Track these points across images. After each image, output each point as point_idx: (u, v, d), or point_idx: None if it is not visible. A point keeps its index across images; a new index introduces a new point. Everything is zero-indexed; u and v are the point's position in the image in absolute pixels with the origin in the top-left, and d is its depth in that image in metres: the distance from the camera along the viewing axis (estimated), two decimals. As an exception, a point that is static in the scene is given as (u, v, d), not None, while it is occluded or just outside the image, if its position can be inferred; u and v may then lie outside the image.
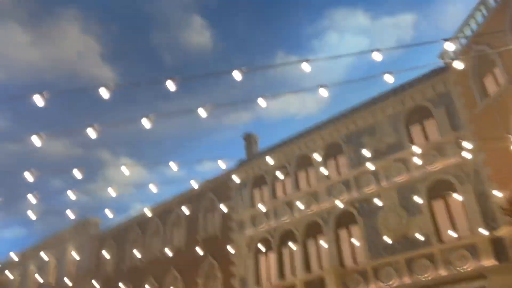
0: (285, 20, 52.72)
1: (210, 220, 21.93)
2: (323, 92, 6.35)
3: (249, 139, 22.79)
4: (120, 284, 17.96)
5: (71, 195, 9.08)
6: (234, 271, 19.15)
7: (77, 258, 28.35)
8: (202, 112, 6.77)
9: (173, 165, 8.92)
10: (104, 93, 6.26)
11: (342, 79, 50.97)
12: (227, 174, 21.55)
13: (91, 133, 6.94)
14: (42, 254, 30.03)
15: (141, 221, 25.05)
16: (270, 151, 19.71)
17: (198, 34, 52.65)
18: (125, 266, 24.35)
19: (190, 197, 22.69)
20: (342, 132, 17.95)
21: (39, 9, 51.35)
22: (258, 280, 18.40)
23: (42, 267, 31.30)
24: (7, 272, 34.01)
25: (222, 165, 9.62)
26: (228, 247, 19.17)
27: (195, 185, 10.59)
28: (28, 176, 7.92)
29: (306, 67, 6.15)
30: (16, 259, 31.98)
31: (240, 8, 55.63)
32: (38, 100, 6.21)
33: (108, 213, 12.30)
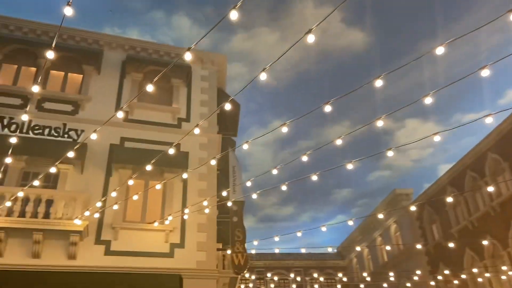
0: None
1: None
2: None
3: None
4: (451, 245, 15.85)
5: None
6: None
7: (399, 233, 27.80)
8: None
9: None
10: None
11: None
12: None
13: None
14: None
15: (453, 179, 22.12)
16: None
17: None
18: (453, 229, 21.83)
19: (503, 137, 18.36)
20: None
21: (274, 4, 55.21)
22: None
23: (371, 248, 32.38)
24: (352, 256, 37.04)
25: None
26: None
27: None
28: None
29: None
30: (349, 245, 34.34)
31: None
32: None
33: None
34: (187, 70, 13.78)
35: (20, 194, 9.54)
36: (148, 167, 8.31)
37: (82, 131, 11.70)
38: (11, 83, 12.04)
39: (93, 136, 6.79)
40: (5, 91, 11.64)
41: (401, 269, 24.73)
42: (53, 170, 7.71)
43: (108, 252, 10.35)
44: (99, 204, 9.43)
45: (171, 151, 8.40)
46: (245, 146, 7.90)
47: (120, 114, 6.99)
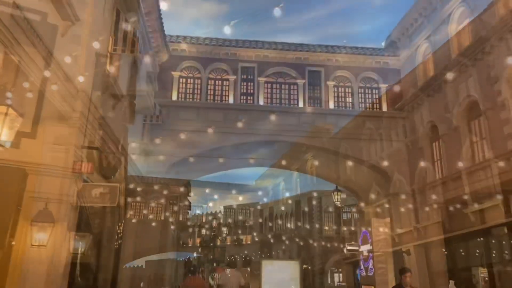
0: None
1: None
2: None
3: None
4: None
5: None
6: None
7: (314, 168, 27.49)
8: None
9: None
10: None
11: None
12: None
13: None
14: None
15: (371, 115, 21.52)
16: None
17: None
18: (364, 165, 21.64)
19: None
20: None
21: None
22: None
23: (287, 181, 32.21)
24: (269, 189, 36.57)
25: None
26: None
27: None
28: None
29: None
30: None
31: None
32: None
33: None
34: None
35: None
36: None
37: None
38: None
39: None
40: None
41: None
42: None
43: None
44: None
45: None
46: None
47: None
